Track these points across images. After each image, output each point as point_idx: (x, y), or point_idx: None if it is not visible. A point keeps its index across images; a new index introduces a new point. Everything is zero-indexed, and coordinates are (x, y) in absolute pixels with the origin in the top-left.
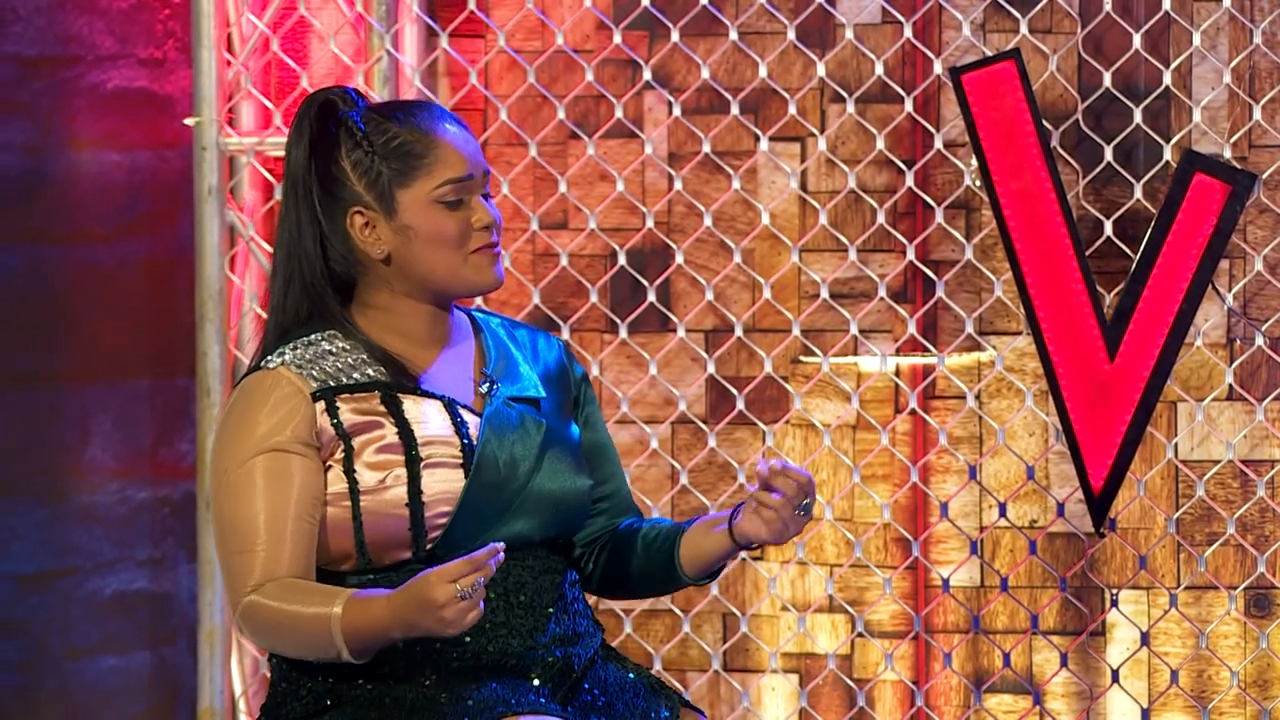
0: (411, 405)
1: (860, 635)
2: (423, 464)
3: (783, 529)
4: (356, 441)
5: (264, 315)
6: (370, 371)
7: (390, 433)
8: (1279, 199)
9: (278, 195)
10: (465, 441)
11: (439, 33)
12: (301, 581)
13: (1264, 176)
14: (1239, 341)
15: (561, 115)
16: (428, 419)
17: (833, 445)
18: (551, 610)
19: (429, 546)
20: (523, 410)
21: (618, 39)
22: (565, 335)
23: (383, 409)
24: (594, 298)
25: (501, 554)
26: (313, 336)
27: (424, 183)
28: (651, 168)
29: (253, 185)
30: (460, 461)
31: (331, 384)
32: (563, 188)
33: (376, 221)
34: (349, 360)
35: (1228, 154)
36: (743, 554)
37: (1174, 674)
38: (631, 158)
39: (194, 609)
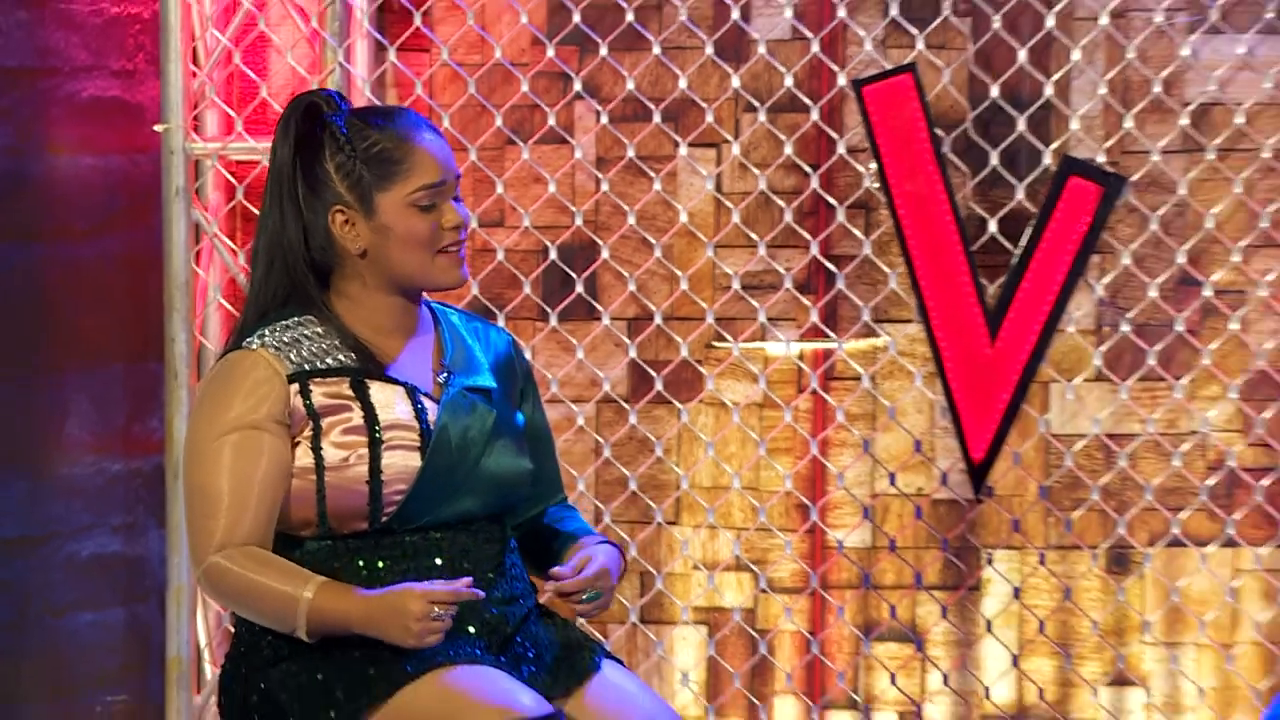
0: (377, 391)
1: (763, 591)
2: (383, 446)
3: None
4: (325, 422)
5: (227, 305)
6: (341, 358)
7: (356, 416)
8: (1146, 200)
9: (239, 196)
10: (423, 426)
11: (387, 47)
12: (267, 553)
13: (1133, 179)
14: (1106, 328)
15: (499, 123)
16: (391, 404)
17: (741, 422)
18: (491, 575)
19: (384, 519)
20: (475, 399)
21: (551, 53)
22: (501, 323)
23: (351, 393)
24: (527, 289)
25: (481, 594)
26: (290, 320)
27: (401, 187)
28: (580, 171)
29: (216, 187)
30: (418, 444)
31: (306, 368)
32: (499, 189)
33: (356, 220)
34: (323, 346)
35: (1101, 159)
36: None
37: (1041, 624)
38: (562, 162)
39: (163, 570)
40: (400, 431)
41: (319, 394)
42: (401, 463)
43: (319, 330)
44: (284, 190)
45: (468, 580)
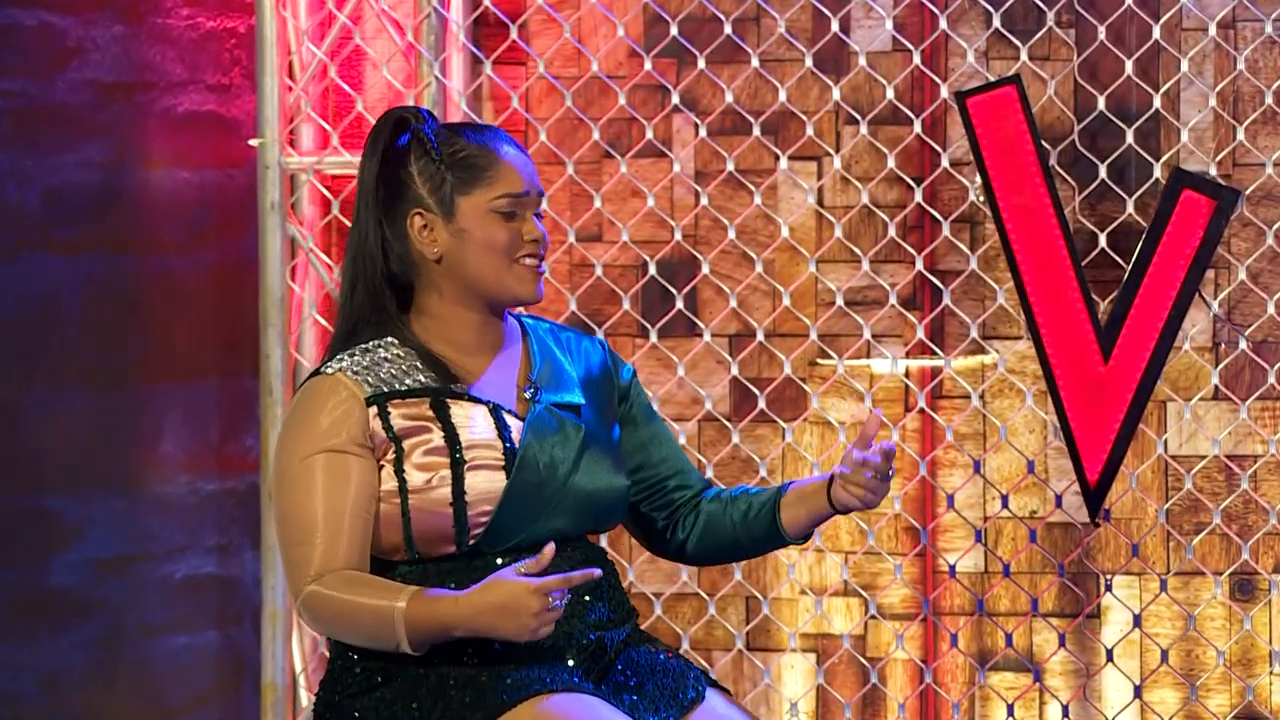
0: (458, 410)
1: (873, 617)
2: (466, 466)
3: (872, 498)
4: (406, 444)
5: (322, 321)
6: (421, 378)
7: (437, 436)
8: (1261, 213)
9: (334, 210)
10: (508, 445)
11: (483, 60)
12: (361, 574)
13: (1247, 192)
14: (1224, 345)
15: (596, 136)
16: (473, 423)
17: (847, 441)
18: (588, 598)
19: (471, 541)
20: (563, 415)
21: (648, 66)
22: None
23: (431, 414)
24: (626, 305)
25: (598, 572)
26: (370, 343)
27: (483, 192)
28: (679, 185)
29: (311, 201)
30: (502, 464)
31: (385, 390)
32: (597, 203)
33: (434, 224)
34: (402, 367)
35: (1213, 172)
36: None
37: (1164, 654)
38: (661, 175)
39: (258, 592)
40: (483, 451)
41: (397, 416)
42: (485, 483)
43: (399, 352)
44: (368, 203)
45: (586, 572)
